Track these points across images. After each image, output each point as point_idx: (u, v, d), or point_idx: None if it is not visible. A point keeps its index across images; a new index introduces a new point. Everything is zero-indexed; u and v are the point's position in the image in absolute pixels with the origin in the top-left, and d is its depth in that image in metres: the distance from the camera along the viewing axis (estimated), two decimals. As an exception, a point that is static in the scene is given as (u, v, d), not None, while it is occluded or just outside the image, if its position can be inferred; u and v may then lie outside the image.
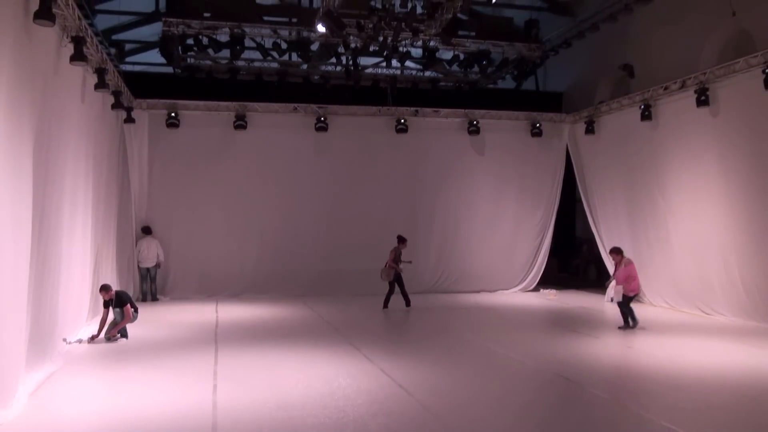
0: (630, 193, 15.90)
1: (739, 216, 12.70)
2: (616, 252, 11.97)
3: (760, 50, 12.16)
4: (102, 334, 10.44)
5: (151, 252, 15.56)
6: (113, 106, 13.00)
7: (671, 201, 14.58)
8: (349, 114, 17.29)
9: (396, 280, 14.46)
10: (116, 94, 12.95)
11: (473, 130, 17.58)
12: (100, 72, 11.18)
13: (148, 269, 15.55)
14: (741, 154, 12.63)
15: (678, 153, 14.32)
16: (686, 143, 14.09)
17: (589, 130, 17.14)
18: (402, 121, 17.24)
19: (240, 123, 16.33)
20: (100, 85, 11.23)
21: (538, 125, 17.95)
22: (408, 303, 14.58)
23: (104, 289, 10.57)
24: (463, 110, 17.89)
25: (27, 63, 7.62)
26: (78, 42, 9.54)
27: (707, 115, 13.38)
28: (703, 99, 13.22)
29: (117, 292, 10.78)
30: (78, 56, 9.54)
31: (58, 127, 9.25)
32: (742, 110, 12.66)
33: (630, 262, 11.71)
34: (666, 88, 14.51)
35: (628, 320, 11.66)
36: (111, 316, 10.60)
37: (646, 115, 14.88)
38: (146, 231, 15.72)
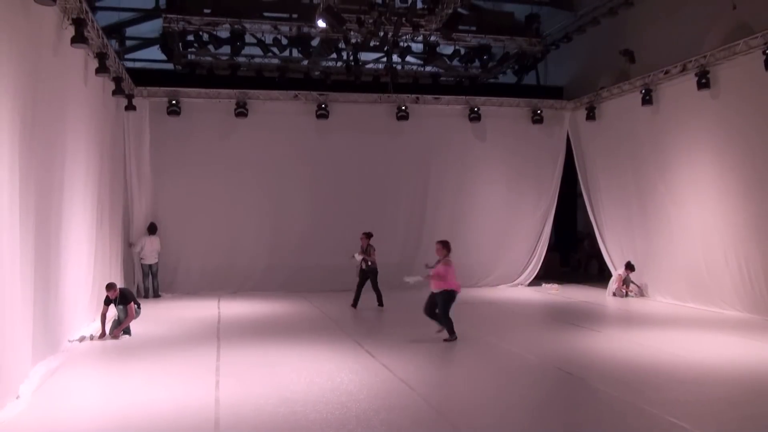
0: (631, 179, 15.90)
1: (740, 200, 12.67)
2: (443, 245, 10.38)
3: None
4: (107, 332, 10.42)
5: (153, 248, 15.54)
6: (114, 93, 12.95)
7: (672, 186, 14.60)
8: (350, 101, 17.25)
9: (360, 276, 13.39)
10: (117, 80, 12.92)
11: (474, 117, 17.54)
12: (101, 56, 11.14)
13: (150, 266, 15.52)
14: (742, 135, 12.64)
15: (679, 136, 14.34)
16: (687, 126, 14.12)
17: (590, 116, 17.12)
18: (403, 108, 17.17)
19: (241, 110, 16.27)
20: (102, 69, 11.18)
21: (539, 112, 17.92)
22: (354, 304, 13.40)
23: (110, 287, 10.52)
24: (464, 97, 17.90)
25: (25, 44, 7.53)
26: (79, 24, 9.51)
27: (708, 98, 13.40)
28: (703, 82, 13.23)
29: (121, 290, 10.77)
30: (79, 38, 9.50)
31: (59, 109, 9.18)
32: (742, 92, 12.68)
33: (450, 263, 10.20)
34: (666, 72, 14.53)
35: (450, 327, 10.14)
36: (112, 313, 10.60)
37: (647, 99, 14.90)
38: (151, 230, 15.68)
